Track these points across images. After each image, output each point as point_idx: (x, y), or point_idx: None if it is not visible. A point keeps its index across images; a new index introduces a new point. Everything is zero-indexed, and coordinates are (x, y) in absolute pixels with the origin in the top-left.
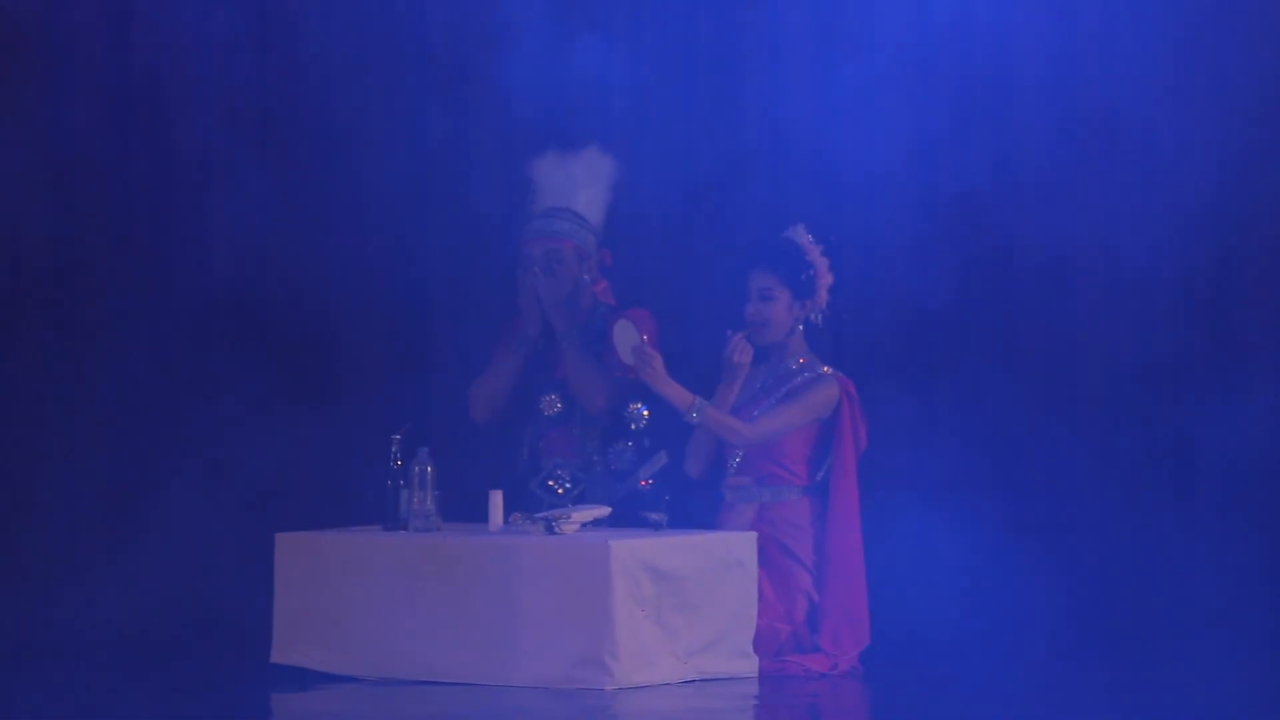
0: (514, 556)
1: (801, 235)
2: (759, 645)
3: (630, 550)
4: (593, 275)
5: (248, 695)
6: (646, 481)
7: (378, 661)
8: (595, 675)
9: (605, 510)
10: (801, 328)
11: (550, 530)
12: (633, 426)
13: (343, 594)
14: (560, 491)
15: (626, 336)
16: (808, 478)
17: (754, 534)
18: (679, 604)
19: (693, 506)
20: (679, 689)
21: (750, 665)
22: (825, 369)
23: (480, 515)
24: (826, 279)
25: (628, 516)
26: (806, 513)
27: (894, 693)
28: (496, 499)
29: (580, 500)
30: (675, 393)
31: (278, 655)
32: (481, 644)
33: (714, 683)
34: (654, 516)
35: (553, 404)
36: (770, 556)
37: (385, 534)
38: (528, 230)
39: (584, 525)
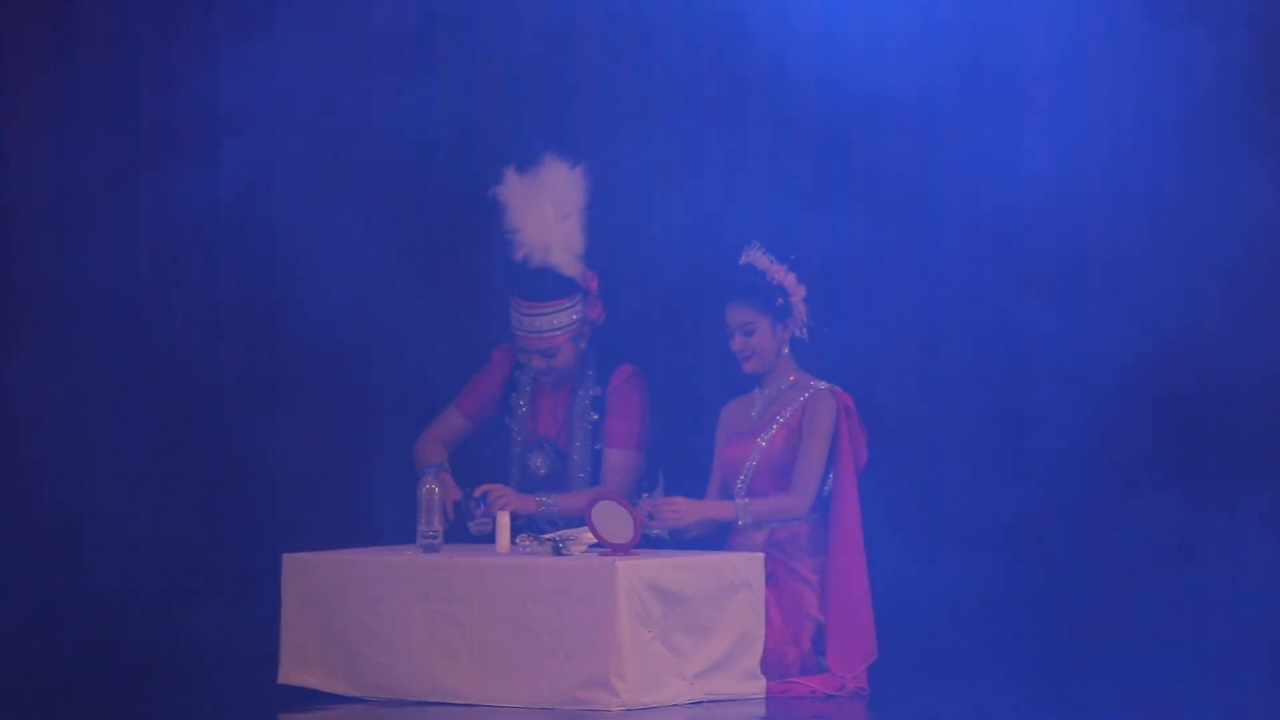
0: (521, 577)
1: (761, 258)
2: (767, 667)
3: (637, 571)
4: (587, 334)
5: (255, 716)
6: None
7: (384, 682)
8: (602, 696)
9: None
10: (787, 349)
11: (557, 551)
12: None
13: (350, 615)
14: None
15: (612, 519)
16: (815, 498)
17: (761, 555)
18: (686, 625)
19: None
20: (686, 710)
21: (758, 686)
22: (819, 384)
23: (487, 536)
24: (800, 292)
25: None
26: (811, 532)
27: (901, 714)
28: (504, 520)
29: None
30: (716, 511)
31: (285, 676)
32: (488, 665)
33: (721, 704)
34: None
35: (538, 467)
36: (779, 580)
37: (392, 555)
38: (520, 328)
39: (591, 546)
